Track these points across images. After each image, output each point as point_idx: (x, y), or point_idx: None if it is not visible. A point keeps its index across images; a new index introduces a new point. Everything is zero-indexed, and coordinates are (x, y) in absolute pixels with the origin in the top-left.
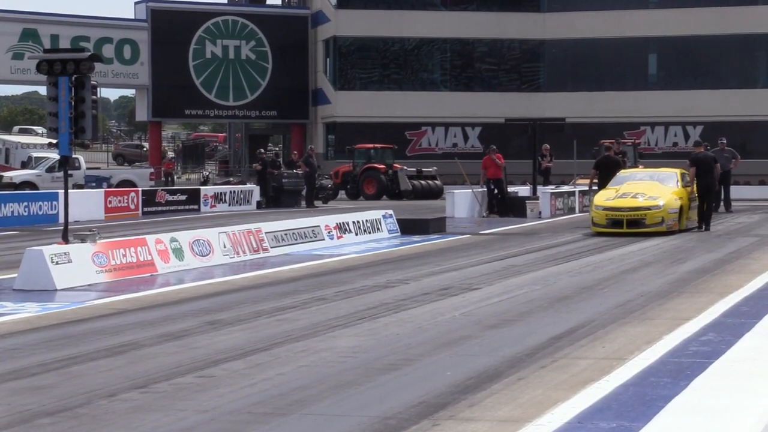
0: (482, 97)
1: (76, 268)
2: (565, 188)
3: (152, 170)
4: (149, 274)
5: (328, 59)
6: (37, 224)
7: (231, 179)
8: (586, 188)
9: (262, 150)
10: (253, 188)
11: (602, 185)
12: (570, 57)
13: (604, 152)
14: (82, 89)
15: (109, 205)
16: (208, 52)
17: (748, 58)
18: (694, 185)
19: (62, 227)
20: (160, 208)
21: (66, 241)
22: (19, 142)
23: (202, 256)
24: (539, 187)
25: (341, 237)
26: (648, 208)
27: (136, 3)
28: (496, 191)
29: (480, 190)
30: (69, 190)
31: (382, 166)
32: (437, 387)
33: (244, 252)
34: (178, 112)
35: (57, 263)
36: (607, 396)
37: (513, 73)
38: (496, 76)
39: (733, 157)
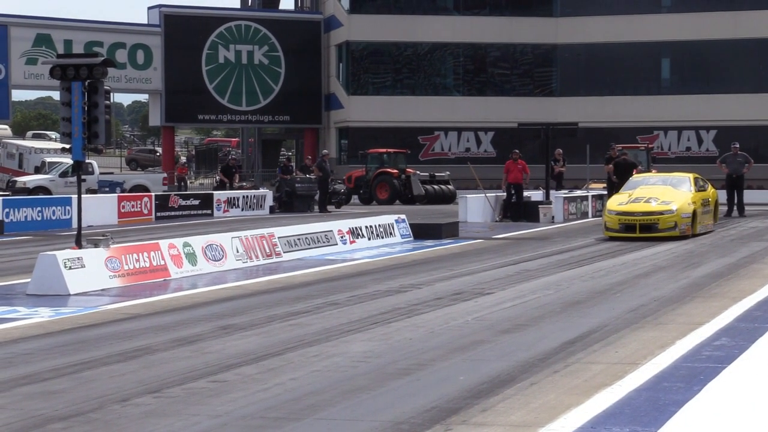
0: (495, 102)
1: (90, 273)
2: (578, 193)
3: (165, 175)
4: (162, 279)
5: (340, 64)
6: (51, 229)
7: (244, 184)
8: (599, 192)
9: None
10: (266, 193)
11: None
12: (583, 61)
13: (621, 156)
14: (95, 94)
15: (123, 210)
16: (221, 56)
17: (761, 62)
18: None
19: (75, 232)
20: (173, 213)
21: (79, 245)
22: (32, 147)
23: (215, 260)
24: (552, 192)
25: (354, 242)
26: (661, 213)
27: (149, 8)
28: (514, 196)
29: (492, 194)
30: (82, 195)
31: (395, 171)
32: (450, 392)
33: (257, 257)
34: (191, 117)
35: (70, 268)
36: (620, 401)
37: (526, 78)
38: (508, 80)
39: (746, 162)
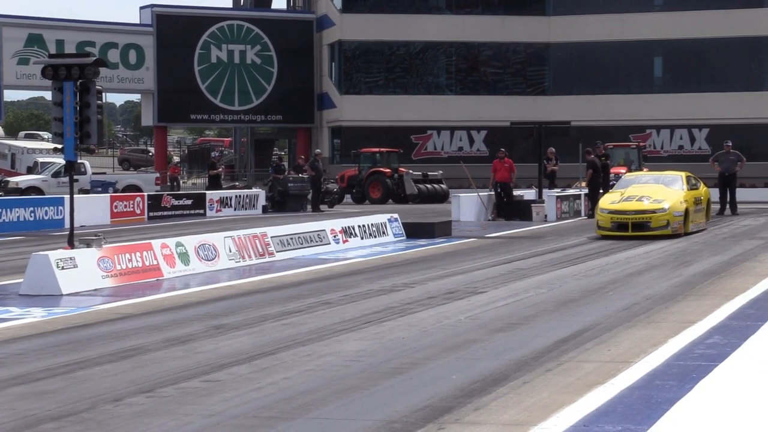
0: (487, 101)
1: (82, 273)
2: (571, 191)
3: (158, 175)
4: (155, 279)
5: (333, 63)
6: (43, 229)
7: (237, 183)
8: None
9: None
10: (259, 192)
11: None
12: (575, 60)
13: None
14: (87, 94)
15: (115, 210)
16: (214, 56)
17: (753, 60)
18: None
19: (68, 232)
20: (165, 213)
21: (72, 246)
22: (24, 147)
23: (208, 260)
24: (545, 191)
25: (347, 241)
26: (653, 212)
27: (141, 8)
28: (502, 195)
29: (485, 193)
30: (75, 195)
31: (388, 170)
32: (443, 391)
33: (249, 256)
34: (183, 117)
35: (63, 268)
36: (613, 399)
37: (518, 77)
38: (501, 79)
39: (738, 160)
